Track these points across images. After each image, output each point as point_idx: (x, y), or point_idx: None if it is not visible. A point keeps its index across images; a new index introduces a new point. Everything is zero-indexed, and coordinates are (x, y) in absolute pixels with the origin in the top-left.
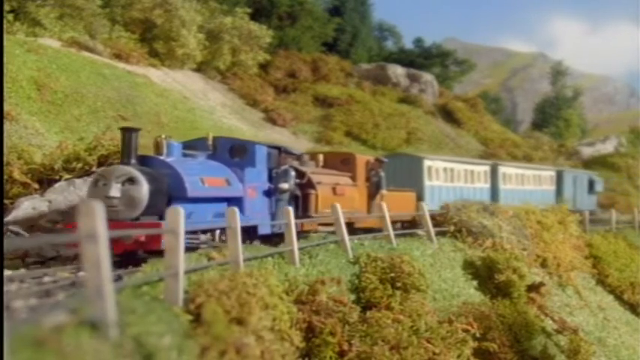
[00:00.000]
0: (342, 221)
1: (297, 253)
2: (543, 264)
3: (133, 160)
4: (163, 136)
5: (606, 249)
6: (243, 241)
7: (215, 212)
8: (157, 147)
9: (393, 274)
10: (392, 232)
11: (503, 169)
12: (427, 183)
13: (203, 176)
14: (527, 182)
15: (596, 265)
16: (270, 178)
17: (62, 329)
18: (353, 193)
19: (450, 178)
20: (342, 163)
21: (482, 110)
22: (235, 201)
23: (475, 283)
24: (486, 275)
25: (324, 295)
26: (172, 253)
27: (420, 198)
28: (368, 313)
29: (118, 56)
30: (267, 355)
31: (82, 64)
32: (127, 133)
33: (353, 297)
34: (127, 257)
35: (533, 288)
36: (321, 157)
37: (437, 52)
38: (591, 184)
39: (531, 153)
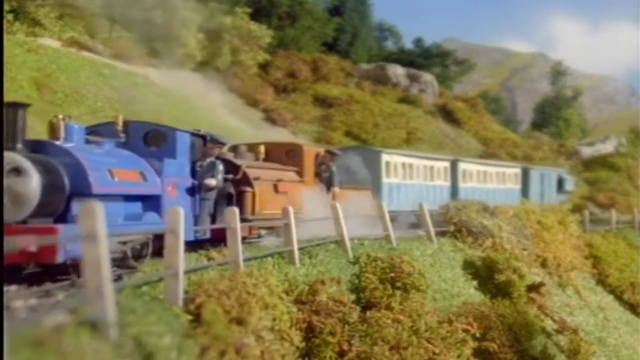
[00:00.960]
0: (342, 221)
1: (297, 253)
2: (543, 264)
3: (20, 145)
4: (60, 116)
5: (606, 249)
6: (157, 253)
7: (127, 214)
8: (53, 130)
9: (393, 274)
10: (392, 233)
11: (463, 166)
12: (385, 180)
13: (112, 168)
14: (489, 180)
15: (596, 265)
16: (194, 173)
17: (62, 329)
18: (299, 191)
19: (408, 174)
20: (287, 155)
21: (482, 110)
22: (152, 200)
23: (475, 283)
24: (486, 275)
25: (324, 295)
26: (172, 253)
27: (378, 197)
28: (368, 313)
29: (117, 56)
30: (267, 355)
31: (81, 64)
32: (12, 109)
33: (353, 297)
34: (10, 273)
35: (533, 288)
36: (262, 148)
37: (437, 52)
38: (561, 183)
39: (531, 153)
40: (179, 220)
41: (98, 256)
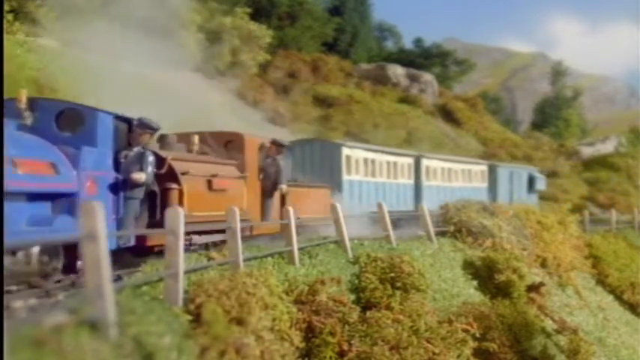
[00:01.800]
0: (342, 221)
1: (296, 253)
2: (543, 264)
3: None
4: None
5: (606, 249)
6: (70, 268)
7: (32, 216)
8: None
9: (392, 274)
10: (392, 233)
11: (426, 163)
12: (346, 177)
13: (14, 157)
14: (455, 178)
15: (596, 265)
16: (118, 165)
17: (62, 329)
18: (239, 188)
19: (370, 171)
20: (226, 147)
21: (482, 110)
22: (66, 198)
23: (475, 283)
24: (486, 275)
25: (324, 295)
26: (172, 253)
27: (336, 196)
28: (368, 313)
29: (118, 56)
30: (267, 355)
31: (81, 64)
32: None
33: (353, 297)
34: None
35: (533, 288)
36: (195, 138)
37: (437, 52)
38: (531, 181)
39: (531, 153)
40: (179, 220)
41: (98, 256)
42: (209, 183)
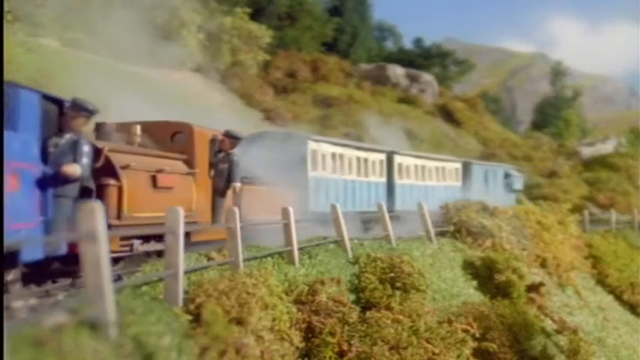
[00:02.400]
0: (342, 220)
1: (296, 253)
2: (543, 264)
3: None
4: None
5: (606, 249)
6: None
7: None
8: None
9: (392, 274)
10: (392, 233)
11: (399, 159)
12: (312, 174)
13: None
14: (428, 176)
15: (596, 265)
16: (46, 155)
17: (62, 329)
18: (187, 186)
19: (339, 168)
20: (172, 139)
21: (481, 110)
22: None
23: (475, 283)
24: (486, 275)
25: (324, 295)
26: (172, 253)
27: (301, 195)
28: (367, 313)
29: (118, 56)
30: (267, 355)
31: (81, 65)
32: None
33: (352, 297)
34: None
35: (533, 288)
36: (137, 128)
37: (437, 52)
38: (507, 180)
39: (531, 153)
40: (179, 220)
41: (98, 256)
42: (153, 179)
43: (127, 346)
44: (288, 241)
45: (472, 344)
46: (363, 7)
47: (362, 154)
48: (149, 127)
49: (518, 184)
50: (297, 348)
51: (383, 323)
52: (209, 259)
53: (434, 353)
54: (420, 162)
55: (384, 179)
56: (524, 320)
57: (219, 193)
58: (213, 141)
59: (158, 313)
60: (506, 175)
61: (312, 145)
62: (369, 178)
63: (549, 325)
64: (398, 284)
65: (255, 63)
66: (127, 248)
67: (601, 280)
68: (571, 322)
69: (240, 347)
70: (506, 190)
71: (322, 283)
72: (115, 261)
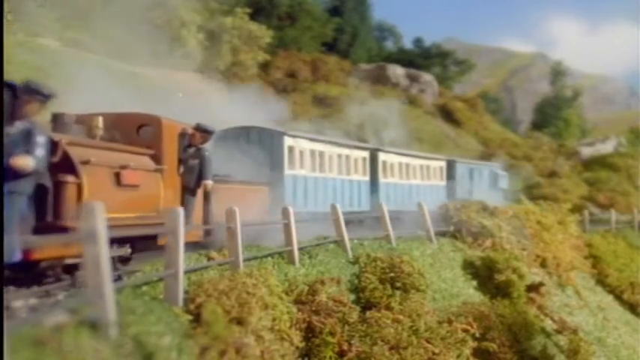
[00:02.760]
0: (342, 220)
1: (296, 253)
2: (543, 264)
3: None
4: None
5: (606, 249)
6: None
7: None
8: None
9: (392, 274)
10: (391, 232)
11: (383, 157)
12: (289, 172)
13: None
14: (412, 175)
15: (596, 265)
16: None
17: (62, 329)
18: (155, 184)
19: (319, 166)
20: (138, 132)
21: (481, 110)
22: None
23: (475, 283)
24: (486, 275)
25: (324, 295)
26: (172, 253)
27: (277, 195)
28: (367, 313)
29: (119, 56)
30: (267, 355)
31: (82, 64)
32: None
33: (353, 297)
34: None
35: (533, 288)
36: (99, 120)
37: (437, 52)
38: (493, 179)
39: (531, 153)
40: (179, 220)
41: (98, 256)
42: (117, 176)
43: (127, 345)
44: (288, 241)
45: (472, 344)
46: (363, 7)
47: (344, 151)
48: (112, 119)
49: (504, 183)
50: (297, 348)
51: (383, 323)
52: (209, 258)
53: (434, 353)
54: (404, 160)
55: (367, 178)
56: (524, 320)
57: (189, 191)
58: (182, 135)
59: (158, 313)
60: (492, 174)
61: (288, 141)
62: (352, 176)
63: (549, 325)
64: (398, 284)
65: (255, 63)
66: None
67: (601, 280)
68: (571, 322)
69: (240, 347)
70: (491, 189)
71: (322, 283)
72: (69, 270)
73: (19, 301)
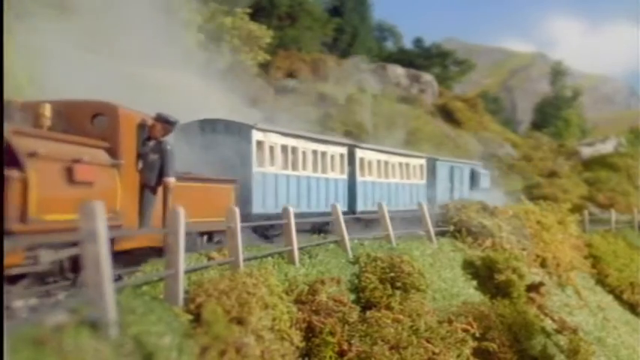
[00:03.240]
0: (342, 219)
1: (296, 252)
2: (543, 264)
3: None
4: None
5: (606, 249)
6: None
7: None
8: None
9: (392, 274)
10: (392, 232)
11: (361, 154)
12: (257, 169)
13: None
14: (392, 173)
15: (596, 264)
16: None
17: (62, 329)
18: (111, 181)
19: (292, 162)
20: (92, 123)
21: (481, 110)
22: None
23: (475, 282)
24: (486, 275)
25: (324, 294)
26: (172, 253)
27: (244, 194)
28: (368, 313)
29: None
30: (267, 355)
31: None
32: None
33: (353, 297)
34: None
35: (533, 288)
36: (46, 108)
37: (437, 52)
38: (474, 178)
39: (531, 153)
40: (179, 221)
41: (98, 255)
42: (69, 172)
43: (127, 345)
44: (288, 241)
45: (472, 344)
46: (363, 7)
47: (320, 147)
48: (63, 108)
49: (485, 182)
50: (298, 347)
51: (383, 323)
52: (209, 258)
53: (434, 353)
54: (383, 157)
55: (344, 176)
56: (524, 320)
57: (148, 189)
58: (141, 126)
59: (158, 312)
60: (473, 173)
61: (257, 136)
62: (328, 174)
63: (549, 324)
64: (398, 284)
65: (255, 63)
66: (31, 260)
67: (601, 280)
68: (571, 322)
69: (240, 347)
70: (472, 189)
71: (322, 282)
72: (14, 280)
73: (19, 301)
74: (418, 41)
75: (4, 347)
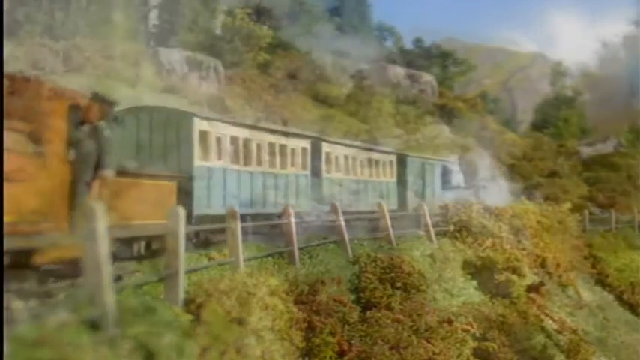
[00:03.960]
0: (342, 219)
1: (297, 252)
2: (543, 264)
3: None
4: None
5: (606, 249)
6: None
7: None
8: None
9: (392, 274)
10: (392, 232)
11: (327, 148)
12: (200, 163)
13: None
14: (360, 170)
15: (596, 265)
16: None
17: (63, 329)
18: (32, 174)
19: (244, 157)
20: (10, 100)
21: (482, 110)
22: None
23: (475, 283)
24: (486, 275)
25: (324, 294)
26: (172, 253)
27: (184, 191)
28: (368, 313)
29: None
30: (267, 355)
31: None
32: None
33: (353, 297)
34: None
35: (533, 288)
36: None
37: (437, 52)
38: (446, 176)
39: (531, 153)
40: (179, 221)
41: (98, 255)
42: None
43: (127, 345)
44: (289, 241)
45: (472, 344)
46: (363, 7)
47: (278, 140)
48: None
49: (458, 181)
50: (298, 347)
51: (383, 323)
52: (209, 258)
53: (434, 353)
54: (351, 152)
55: (307, 172)
56: (524, 320)
57: (82, 184)
58: (74, 107)
59: (158, 312)
60: (444, 170)
61: (200, 125)
62: (287, 170)
63: (549, 324)
64: (398, 284)
65: (256, 63)
66: None
67: (601, 280)
68: (571, 322)
69: (240, 347)
70: (443, 188)
71: (323, 282)
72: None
73: (19, 301)
74: (418, 41)
75: (4, 347)
